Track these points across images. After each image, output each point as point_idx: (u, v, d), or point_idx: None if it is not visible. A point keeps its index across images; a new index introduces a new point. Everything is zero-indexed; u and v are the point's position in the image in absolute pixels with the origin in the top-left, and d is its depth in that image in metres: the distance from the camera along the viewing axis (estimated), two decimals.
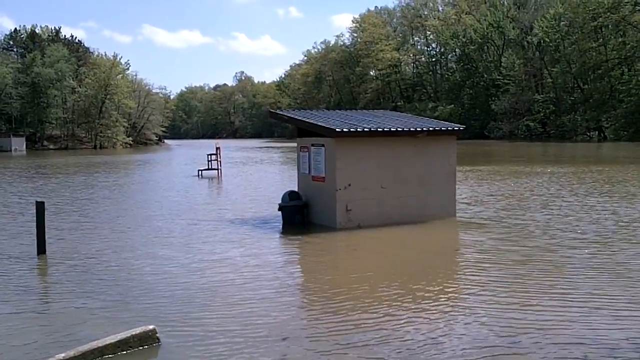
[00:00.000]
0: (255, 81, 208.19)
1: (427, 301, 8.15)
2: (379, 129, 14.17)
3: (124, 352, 6.35)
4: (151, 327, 6.64)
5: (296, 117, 15.60)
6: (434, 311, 7.72)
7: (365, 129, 14.00)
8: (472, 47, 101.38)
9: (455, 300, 8.31)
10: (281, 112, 17.00)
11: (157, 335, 6.61)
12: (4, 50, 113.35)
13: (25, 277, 10.14)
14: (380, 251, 11.95)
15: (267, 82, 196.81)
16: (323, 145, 14.20)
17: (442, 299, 8.33)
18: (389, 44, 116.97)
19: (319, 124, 14.32)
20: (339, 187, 13.76)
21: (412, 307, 7.88)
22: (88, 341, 6.40)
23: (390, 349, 6.38)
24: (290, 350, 6.40)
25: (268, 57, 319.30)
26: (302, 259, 11.79)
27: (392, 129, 14.32)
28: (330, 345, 6.53)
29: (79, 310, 8.02)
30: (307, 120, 14.90)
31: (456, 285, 9.26)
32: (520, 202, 18.41)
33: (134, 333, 6.47)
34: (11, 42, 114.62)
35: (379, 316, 7.48)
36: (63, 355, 6.04)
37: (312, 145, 14.65)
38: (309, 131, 14.82)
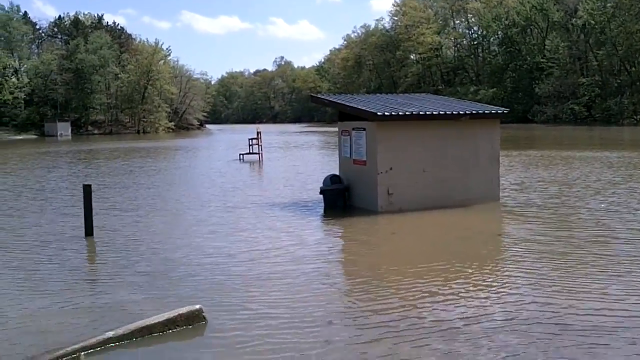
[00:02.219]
0: (295, 66, 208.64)
1: (465, 286, 8.10)
2: (421, 113, 14.06)
3: (171, 331, 6.47)
4: (197, 306, 6.75)
5: (337, 101, 15.59)
6: (473, 297, 7.68)
7: (407, 113, 13.91)
8: (515, 30, 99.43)
9: (495, 285, 8.22)
10: (322, 97, 17.01)
11: (204, 314, 6.72)
12: (49, 38, 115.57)
13: (74, 258, 10.39)
14: (422, 235, 11.91)
15: (306, 67, 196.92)
16: (364, 129, 14.16)
17: (481, 284, 8.26)
18: (430, 28, 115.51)
19: (361, 107, 14.28)
20: (380, 171, 13.72)
21: (451, 291, 7.84)
22: (136, 320, 6.55)
23: (429, 332, 6.37)
24: (334, 334, 6.43)
25: (306, 41, 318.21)
26: (344, 242, 11.81)
27: (434, 112, 14.19)
28: (372, 328, 6.56)
29: (126, 290, 8.20)
30: (349, 104, 14.88)
31: (496, 271, 9.17)
32: (569, 188, 17.90)
33: (181, 312, 6.60)
34: (55, 30, 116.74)
35: (418, 299, 7.48)
36: (112, 333, 6.19)
37: (354, 129, 14.62)
38: (350, 115, 14.79)
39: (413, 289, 7.88)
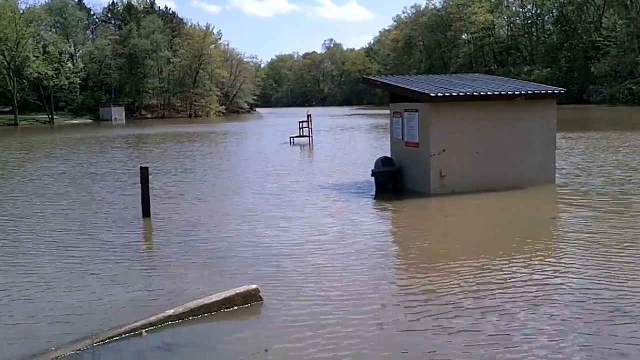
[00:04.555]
0: (344, 48, 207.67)
1: (520, 269, 7.99)
2: (474, 93, 13.86)
3: (229, 309, 6.61)
4: (254, 286, 6.87)
5: (389, 82, 15.50)
6: (527, 281, 7.59)
7: (460, 93, 13.74)
8: (571, 8, 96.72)
9: (548, 270, 8.10)
10: (374, 78, 16.94)
11: (260, 294, 6.84)
12: (103, 23, 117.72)
13: (132, 239, 10.68)
14: (474, 218, 11.79)
15: (356, 48, 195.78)
16: (417, 111, 14.05)
17: (535, 268, 8.13)
18: (482, 6, 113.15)
19: (413, 88, 14.16)
20: (433, 153, 13.62)
21: (503, 275, 7.76)
22: (194, 299, 6.70)
23: (481, 316, 6.34)
24: (387, 316, 6.46)
25: (355, 23, 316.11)
26: (395, 225, 11.80)
27: (488, 93, 13.98)
28: (424, 310, 6.56)
29: (183, 270, 8.40)
30: (401, 85, 14.78)
31: (550, 255, 9.02)
32: (632, 172, 17.27)
33: (238, 291, 6.73)
34: (109, 15, 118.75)
35: (470, 284, 7.43)
36: (172, 311, 6.35)
37: (406, 110, 14.52)
38: (402, 96, 14.69)
39: (465, 273, 7.82)
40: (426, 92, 13.58)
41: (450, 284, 7.36)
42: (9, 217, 12.91)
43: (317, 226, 11.12)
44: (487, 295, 6.91)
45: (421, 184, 14.01)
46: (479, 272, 7.81)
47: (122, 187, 17.10)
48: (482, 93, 13.92)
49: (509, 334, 5.82)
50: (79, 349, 5.64)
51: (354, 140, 34.94)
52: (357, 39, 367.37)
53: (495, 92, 14.03)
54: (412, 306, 6.69)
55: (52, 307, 6.94)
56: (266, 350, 5.61)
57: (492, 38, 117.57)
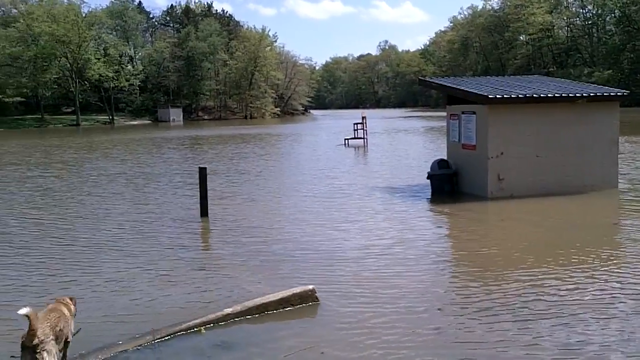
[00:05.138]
0: (399, 50, 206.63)
1: (581, 278, 7.77)
2: (534, 95, 13.60)
3: (285, 309, 6.65)
4: (311, 287, 6.90)
5: (447, 84, 15.34)
6: (589, 291, 7.38)
7: (519, 95, 13.50)
8: (634, 8, 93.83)
9: (609, 278, 7.86)
10: (431, 79, 16.79)
11: (316, 294, 6.86)
12: (162, 26, 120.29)
13: (191, 238, 10.86)
14: (533, 223, 11.51)
15: (411, 50, 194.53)
16: (474, 113, 13.87)
17: (594, 275, 7.88)
18: (541, 7, 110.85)
19: (471, 90, 13.99)
20: (491, 156, 13.42)
21: (561, 285, 7.56)
22: (251, 298, 6.77)
23: (537, 320, 6.21)
24: (444, 321, 6.38)
25: (410, 24, 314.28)
26: (452, 229, 11.64)
27: (548, 95, 13.69)
28: (481, 316, 6.46)
29: (240, 270, 8.49)
30: (458, 87, 14.61)
31: (611, 263, 8.72)
32: None
33: (294, 292, 6.77)
34: (167, 18, 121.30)
35: (529, 292, 7.27)
36: (230, 310, 6.43)
37: (463, 112, 14.35)
38: (460, 98, 14.53)
39: (524, 280, 7.65)
40: (484, 93, 13.39)
41: (507, 292, 7.22)
42: (65, 217, 13.24)
43: (373, 229, 11.09)
44: (548, 305, 6.74)
45: (478, 187, 13.82)
46: (538, 280, 7.63)
47: (178, 188, 17.41)
48: (542, 95, 13.65)
49: (570, 349, 5.68)
50: (140, 345, 5.77)
51: (409, 142, 34.74)
52: (412, 41, 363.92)
53: (556, 95, 13.73)
54: (468, 312, 6.59)
55: (111, 305, 7.11)
56: (322, 353, 5.62)
57: (551, 39, 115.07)
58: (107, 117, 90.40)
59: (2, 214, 13.65)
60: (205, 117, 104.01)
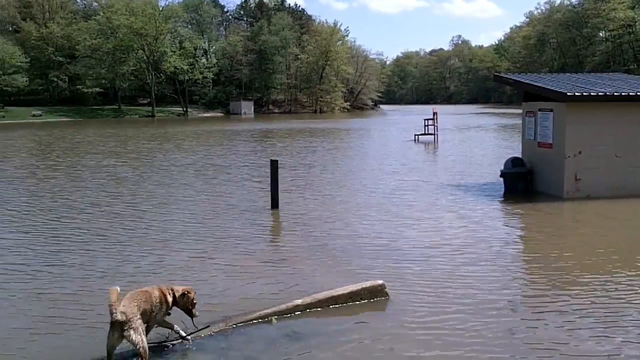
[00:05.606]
0: (472, 45, 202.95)
1: None
2: (615, 94, 13.13)
3: (355, 303, 6.66)
4: (380, 282, 6.89)
5: (523, 80, 14.99)
6: None
7: (599, 93, 13.05)
8: None
9: None
10: (506, 76, 16.46)
11: (386, 290, 6.84)
12: (235, 20, 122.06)
13: (261, 230, 11.02)
14: (611, 225, 11.14)
15: (484, 45, 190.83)
16: (551, 110, 13.50)
17: None
18: (622, 2, 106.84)
19: (548, 87, 13.62)
20: (568, 155, 13.04)
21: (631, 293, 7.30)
22: (321, 290, 6.81)
23: (614, 324, 6.00)
24: (516, 323, 6.25)
25: (484, 19, 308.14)
26: (526, 229, 11.36)
27: (630, 94, 13.18)
28: (555, 319, 6.30)
29: (309, 262, 8.58)
30: (535, 83, 14.26)
31: None
32: None
33: (364, 286, 6.78)
34: (241, 12, 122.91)
35: (604, 298, 7.04)
36: (300, 301, 6.50)
37: (539, 110, 13.98)
38: (536, 95, 14.17)
39: (597, 286, 7.42)
40: (562, 90, 13.02)
41: (580, 296, 7.02)
42: (136, 207, 13.63)
43: (444, 228, 10.97)
44: (623, 315, 6.51)
45: (554, 187, 13.45)
46: (614, 286, 7.38)
47: (246, 180, 17.63)
48: (623, 93, 13.15)
49: None
50: (213, 332, 5.90)
51: (481, 139, 34.14)
52: (486, 36, 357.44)
53: (638, 93, 13.20)
54: (542, 314, 6.44)
55: None
56: (391, 349, 5.60)
57: (632, 36, 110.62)
58: (181, 109, 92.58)
59: (76, 202, 14.17)
60: (276, 110, 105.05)
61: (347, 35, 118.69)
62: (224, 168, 20.84)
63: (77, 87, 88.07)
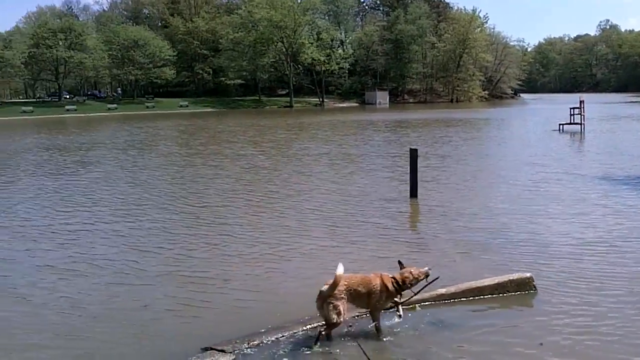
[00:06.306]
0: (621, 30, 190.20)
1: None
2: None
3: (500, 295, 6.52)
4: (528, 274, 6.70)
5: None
6: None
7: None
8: None
9: None
10: None
11: (534, 283, 6.64)
12: (372, 10, 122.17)
13: (401, 218, 11.07)
14: None
15: (635, 30, 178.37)
16: None
17: None
18: None
19: None
20: None
21: None
22: (466, 280, 6.74)
23: None
24: None
25: (634, 2, 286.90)
26: None
27: None
28: None
29: (452, 252, 8.53)
30: None
31: None
32: None
33: (511, 278, 6.62)
34: (378, 2, 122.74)
35: None
36: (444, 290, 6.47)
37: None
38: None
39: None
40: None
41: None
42: (271, 194, 14.01)
43: (595, 222, 10.33)
44: None
45: None
46: None
47: (378, 170, 17.61)
48: None
49: None
50: (356, 316, 6.01)
51: (632, 130, 32.03)
52: (637, 20, 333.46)
53: None
54: None
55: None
56: (541, 344, 5.44)
57: None
58: (318, 99, 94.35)
59: (214, 190, 14.92)
60: (411, 100, 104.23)
61: (486, 22, 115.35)
62: (357, 157, 21.02)
63: (221, 79, 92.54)
